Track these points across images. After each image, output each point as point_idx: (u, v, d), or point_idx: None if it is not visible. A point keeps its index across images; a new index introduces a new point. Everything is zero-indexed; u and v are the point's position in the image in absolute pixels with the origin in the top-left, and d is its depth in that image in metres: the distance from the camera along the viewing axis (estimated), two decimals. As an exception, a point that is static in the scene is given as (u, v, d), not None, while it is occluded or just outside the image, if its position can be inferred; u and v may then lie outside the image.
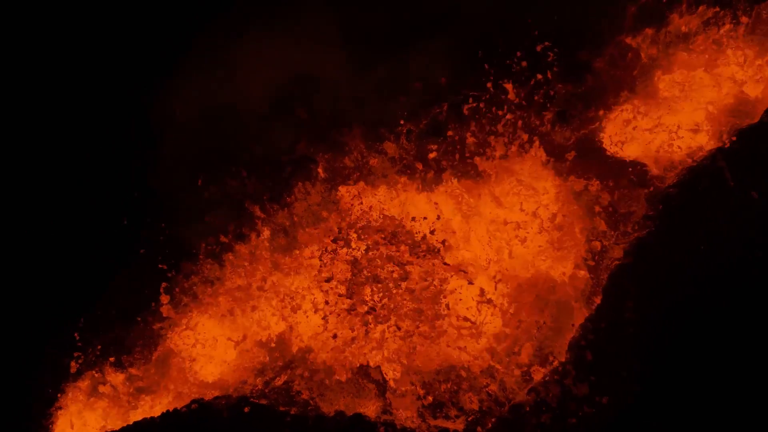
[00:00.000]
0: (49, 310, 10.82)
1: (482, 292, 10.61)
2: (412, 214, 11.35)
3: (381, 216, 11.36)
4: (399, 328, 10.58)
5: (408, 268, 10.99)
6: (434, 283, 10.87)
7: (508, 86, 11.75)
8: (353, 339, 10.61)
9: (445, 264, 10.93)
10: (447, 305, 10.66)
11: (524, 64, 11.85)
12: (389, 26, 11.73)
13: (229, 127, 11.51)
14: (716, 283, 9.23)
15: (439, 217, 11.24)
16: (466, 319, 10.58)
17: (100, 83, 12.07)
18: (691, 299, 9.22)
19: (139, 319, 10.84)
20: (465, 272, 10.85)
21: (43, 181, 11.65)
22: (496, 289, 10.66)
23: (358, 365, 10.31)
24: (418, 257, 11.04)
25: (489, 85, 12.11)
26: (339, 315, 10.80)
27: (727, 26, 12.03)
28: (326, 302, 10.88)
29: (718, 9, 12.17)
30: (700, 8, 11.97)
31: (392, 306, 10.73)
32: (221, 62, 11.75)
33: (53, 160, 11.77)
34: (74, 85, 12.11)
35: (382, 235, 11.24)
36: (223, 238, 11.24)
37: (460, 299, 10.74)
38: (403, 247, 11.09)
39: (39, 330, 10.69)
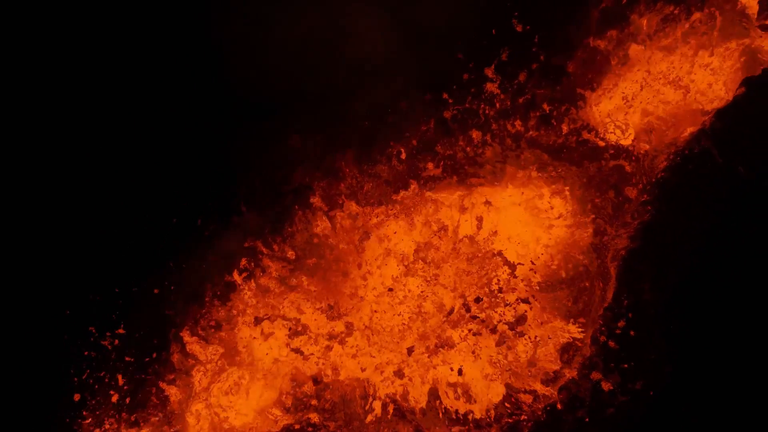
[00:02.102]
0: (53, 372, 10.21)
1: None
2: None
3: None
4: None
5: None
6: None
7: (490, 93, 12.00)
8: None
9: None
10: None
11: (499, 74, 12.18)
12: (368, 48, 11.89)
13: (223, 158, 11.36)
14: (721, 252, 9.44)
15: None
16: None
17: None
18: (701, 272, 9.39)
19: (150, 371, 10.30)
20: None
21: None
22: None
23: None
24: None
25: (469, 98, 12.35)
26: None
27: (684, 19, 12.67)
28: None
29: (673, 8, 12.84)
30: (658, 5, 12.61)
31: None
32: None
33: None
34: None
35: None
36: (228, 278, 10.90)
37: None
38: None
39: (46, 392, 10.04)
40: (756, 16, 12.70)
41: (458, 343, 10.58)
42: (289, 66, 11.67)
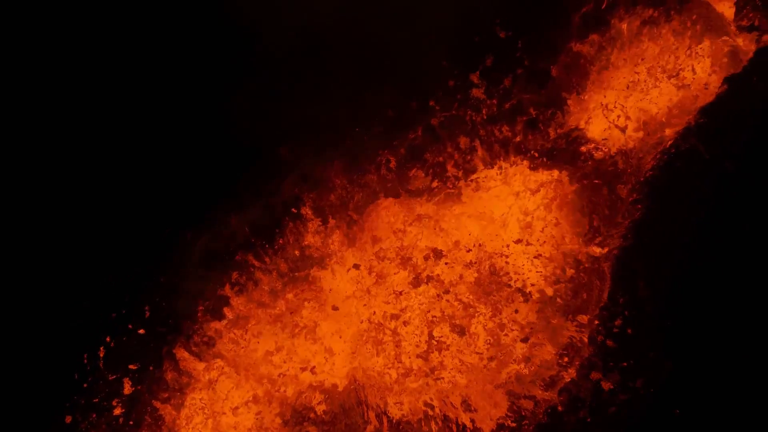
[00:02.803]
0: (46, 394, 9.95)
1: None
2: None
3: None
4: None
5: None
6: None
7: (476, 99, 12.09)
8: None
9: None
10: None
11: (484, 80, 12.29)
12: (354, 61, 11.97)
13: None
14: (713, 246, 9.48)
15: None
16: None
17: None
18: (695, 266, 9.41)
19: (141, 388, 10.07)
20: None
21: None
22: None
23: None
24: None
25: (455, 104, 12.43)
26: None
27: (664, 22, 12.89)
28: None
29: (652, 11, 13.07)
30: (638, 8, 12.83)
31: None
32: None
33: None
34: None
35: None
36: (220, 292, 10.75)
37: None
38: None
39: (37, 415, 9.75)
40: (733, 18, 12.94)
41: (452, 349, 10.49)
42: (274, 74, 11.68)
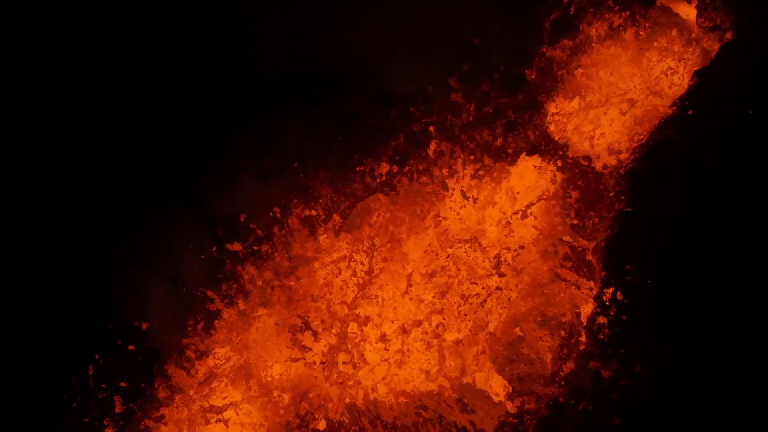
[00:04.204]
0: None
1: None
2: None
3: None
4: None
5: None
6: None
7: (455, 103, 12.27)
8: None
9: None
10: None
11: (462, 85, 12.51)
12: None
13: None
14: (697, 227, 9.60)
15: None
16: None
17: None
18: (681, 249, 9.50)
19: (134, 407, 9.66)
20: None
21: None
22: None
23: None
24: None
25: (435, 110, 12.59)
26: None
27: (631, 25, 13.34)
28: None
29: (618, 17, 13.54)
30: (605, 15, 13.29)
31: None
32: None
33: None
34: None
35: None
36: (211, 306, 10.47)
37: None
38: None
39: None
40: (696, 20, 13.47)
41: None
42: (257, 87, 11.72)
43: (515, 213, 11.61)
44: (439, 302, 10.83)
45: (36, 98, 11.59)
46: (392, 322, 10.57)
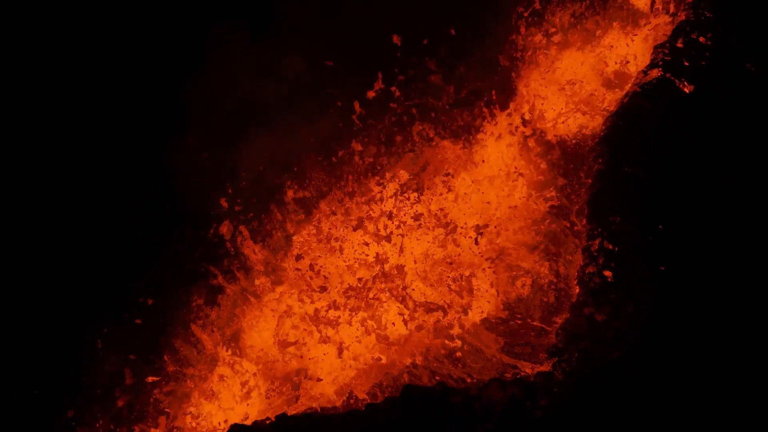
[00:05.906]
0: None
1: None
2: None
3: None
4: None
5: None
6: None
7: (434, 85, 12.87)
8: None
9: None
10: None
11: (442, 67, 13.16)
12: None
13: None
14: (683, 174, 10.22)
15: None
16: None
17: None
18: (665, 194, 10.07)
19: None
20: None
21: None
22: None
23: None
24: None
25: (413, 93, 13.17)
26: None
27: (593, 13, 14.34)
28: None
29: (579, 5, 14.52)
30: (567, 3, 14.24)
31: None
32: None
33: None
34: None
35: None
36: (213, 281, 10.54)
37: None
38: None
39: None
40: (650, 9, 14.53)
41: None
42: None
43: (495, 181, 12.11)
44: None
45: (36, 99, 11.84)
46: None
